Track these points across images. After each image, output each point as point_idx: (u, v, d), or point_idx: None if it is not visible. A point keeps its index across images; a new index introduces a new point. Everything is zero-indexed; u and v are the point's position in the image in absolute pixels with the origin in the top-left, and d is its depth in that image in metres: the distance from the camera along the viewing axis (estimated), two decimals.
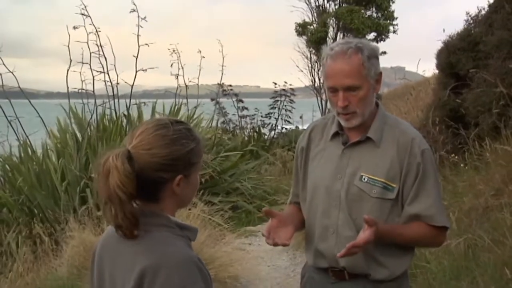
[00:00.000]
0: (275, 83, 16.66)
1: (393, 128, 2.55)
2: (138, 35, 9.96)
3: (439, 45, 8.75)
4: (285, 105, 16.59)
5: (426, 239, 2.53)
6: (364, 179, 2.49)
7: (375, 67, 2.47)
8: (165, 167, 1.82)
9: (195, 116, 12.00)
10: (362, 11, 19.79)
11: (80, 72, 9.70)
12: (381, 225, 2.39)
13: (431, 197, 2.46)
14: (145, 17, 9.97)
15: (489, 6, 8.27)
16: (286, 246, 2.56)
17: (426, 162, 2.47)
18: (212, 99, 14.87)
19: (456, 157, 6.89)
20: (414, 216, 2.47)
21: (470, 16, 8.78)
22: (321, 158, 2.65)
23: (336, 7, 20.21)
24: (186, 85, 11.69)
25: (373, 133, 2.53)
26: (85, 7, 9.54)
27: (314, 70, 21.09)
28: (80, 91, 9.88)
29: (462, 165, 6.83)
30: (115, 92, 10.18)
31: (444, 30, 8.92)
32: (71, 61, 9.60)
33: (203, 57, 11.99)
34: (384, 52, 20.94)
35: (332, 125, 2.64)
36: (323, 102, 20.81)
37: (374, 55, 2.48)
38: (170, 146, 1.83)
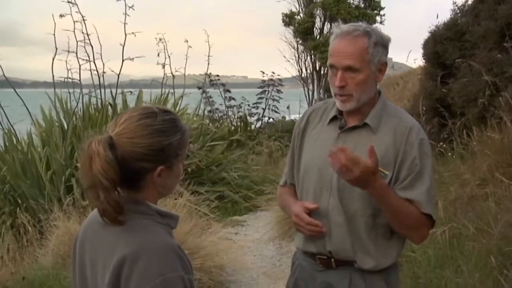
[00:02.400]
0: (263, 72, 16.64)
1: (391, 116, 2.53)
2: (125, 23, 9.89)
3: (426, 35, 8.78)
4: (273, 95, 16.58)
5: (413, 219, 2.44)
6: None
7: (380, 55, 2.45)
8: (146, 157, 1.80)
9: (181, 106, 11.97)
10: (349, 1, 19.80)
11: (66, 61, 9.60)
12: (383, 181, 2.37)
13: (425, 186, 2.43)
14: (132, 6, 9.89)
15: None
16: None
17: (424, 153, 2.45)
18: (199, 88, 14.81)
19: (443, 145, 6.91)
20: (405, 199, 2.44)
21: (456, 6, 8.81)
22: (316, 141, 2.63)
23: None
24: (172, 75, 11.63)
25: (371, 120, 2.51)
26: None
27: (301, 60, 21.11)
28: (66, 80, 9.78)
29: (448, 154, 6.85)
30: (102, 81, 10.11)
31: (437, 16, 8.94)
32: (56, 49, 9.50)
33: (190, 46, 11.92)
34: None
35: (332, 110, 2.62)
36: (310, 93, 20.83)
37: (381, 43, 2.46)
38: (153, 136, 1.80)
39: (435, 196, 2.53)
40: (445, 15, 8.76)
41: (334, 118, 2.60)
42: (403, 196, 2.43)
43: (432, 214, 2.46)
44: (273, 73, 16.61)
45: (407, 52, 12.99)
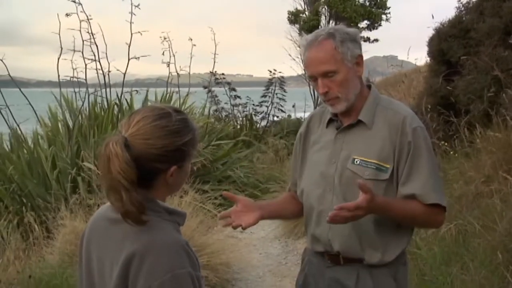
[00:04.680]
0: (270, 71, 16.59)
1: (385, 109, 2.54)
2: (131, 23, 9.88)
3: (431, 33, 8.77)
4: (277, 94, 16.53)
5: (423, 217, 2.46)
6: (356, 161, 2.49)
7: (351, 50, 2.47)
8: (161, 158, 1.81)
9: (187, 105, 11.97)
10: None
11: (71, 60, 9.60)
12: (380, 197, 2.37)
13: (424, 175, 2.42)
14: (138, 5, 9.87)
15: None
16: (244, 228, 2.54)
17: (418, 140, 2.44)
18: (205, 87, 14.81)
19: (447, 144, 6.90)
20: (409, 197, 2.44)
21: (461, 3, 8.79)
22: (316, 145, 2.67)
23: None
24: (177, 73, 11.61)
25: (364, 116, 2.53)
26: None
27: None
28: (71, 79, 9.78)
29: (452, 152, 6.85)
30: (107, 80, 10.12)
31: (433, 17, 8.94)
32: (61, 49, 9.48)
33: (194, 45, 11.89)
34: (376, 40, 20.96)
35: (328, 113, 2.65)
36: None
37: (349, 39, 2.48)
38: (168, 137, 1.81)
39: (439, 182, 2.52)
40: (449, 13, 8.73)
41: (331, 121, 2.64)
42: (405, 193, 2.44)
43: (439, 202, 2.45)
44: (275, 70, 16.53)
45: (412, 50, 12.96)
